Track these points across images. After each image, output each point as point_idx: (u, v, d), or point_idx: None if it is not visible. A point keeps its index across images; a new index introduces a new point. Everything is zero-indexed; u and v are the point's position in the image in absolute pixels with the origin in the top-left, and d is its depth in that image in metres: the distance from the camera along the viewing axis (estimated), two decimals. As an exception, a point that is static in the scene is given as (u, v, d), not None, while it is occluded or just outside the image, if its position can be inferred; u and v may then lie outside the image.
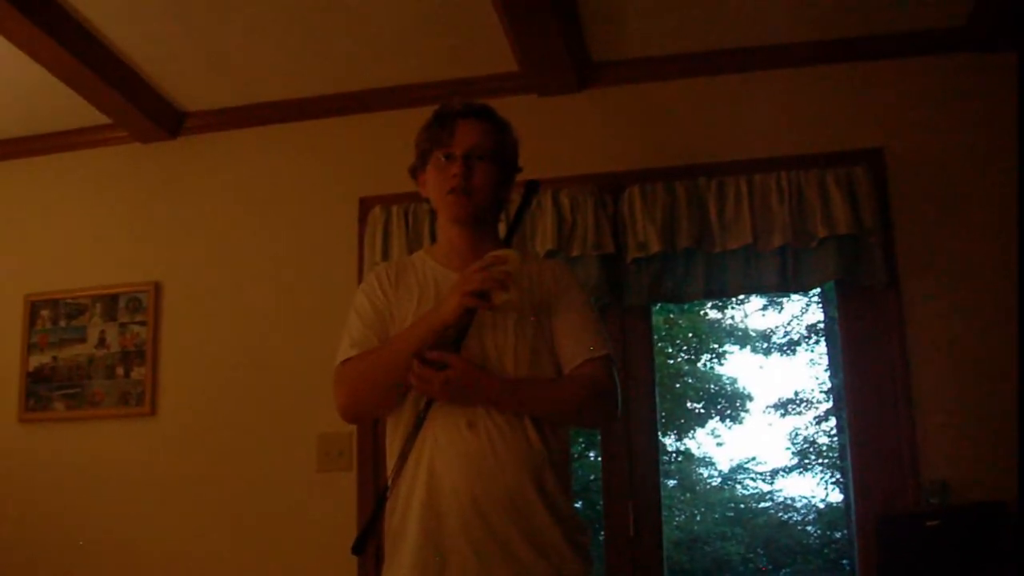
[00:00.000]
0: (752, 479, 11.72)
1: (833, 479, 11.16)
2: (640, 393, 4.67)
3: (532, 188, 3.11)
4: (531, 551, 2.72)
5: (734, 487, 11.75)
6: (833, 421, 10.96)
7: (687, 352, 11.93)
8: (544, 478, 2.80)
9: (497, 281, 2.74)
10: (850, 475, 4.58)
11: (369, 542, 2.81)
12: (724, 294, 4.80)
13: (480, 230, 3.05)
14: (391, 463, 2.88)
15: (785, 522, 11.40)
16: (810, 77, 4.77)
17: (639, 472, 4.63)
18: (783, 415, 11.71)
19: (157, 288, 5.15)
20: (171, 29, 4.58)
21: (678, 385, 11.67)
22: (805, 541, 11.18)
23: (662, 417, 11.16)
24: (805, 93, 4.76)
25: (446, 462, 2.77)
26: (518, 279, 2.81)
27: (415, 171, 3.13)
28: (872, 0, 4.48)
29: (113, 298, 5.18)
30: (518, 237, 4.36)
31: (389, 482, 2.85)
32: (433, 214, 3.15)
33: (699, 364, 11.94)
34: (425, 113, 3.14)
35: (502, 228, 3.25)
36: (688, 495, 11.56)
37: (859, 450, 4.50)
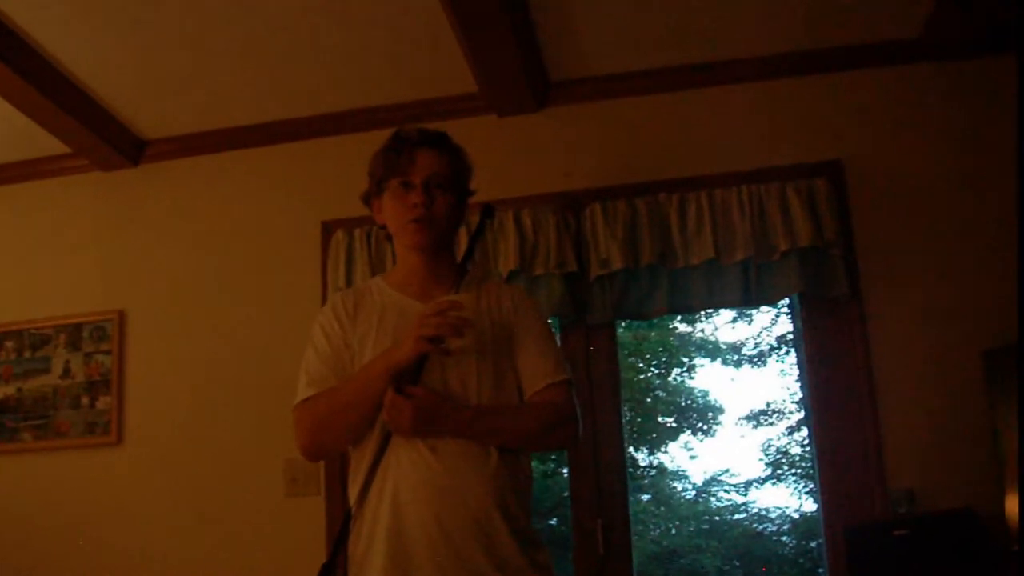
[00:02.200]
0: (726, 491, 11.68)
1: (807, 489, 11.14)
2: (606, 410, 4.69)
3: (488, 212, 3.13)
4: (496, 574, 2.73)
5: (708, 500, 11.71)
6: (805, 431, 10.95)
7: (657, 367, 11.90)
8: (507, 500, 2.81)
9: (452, 327, 2.75)
10: (819, 486, 4.59)
11: (335, 568, 2.81)
12: (688, 310, 4.80)
13: (438, 256, 3.07)
14: (353, 490, 2.88)
15: (760, 533, 11.37)
16: (767, 91, 4.81)
17: (607, 489, 4.63)
18: (755, 426, 11.68)
19: (121, 317, 5.14)
20: (130, 57, 4.59)
21: (649, 400, 11.64)
22: (780, 551, 11.17)
23: (634, 432, 11.14)
24: (763, 107, 4.80)
25: (410, 487, 2.77)
26: (473, 323, 2.82)
27: (369, 198, 3.13)
28: (828, 13, 4.51)
29: (77, 327, 5.16)
30: (480, 258, 4.39)
31: (352, 509, 2.86)
32: (391, 239, 3.15)
33: (669, 378, 11.91)
34: (385, 136, 3.15)
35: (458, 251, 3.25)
36: (662, 509, 11.52)
37: (826, 460, 4.52)
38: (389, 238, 3.16)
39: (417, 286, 3.02)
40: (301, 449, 2.96)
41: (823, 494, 4.54)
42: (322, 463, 4.71)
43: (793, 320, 5.09)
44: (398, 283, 3.08)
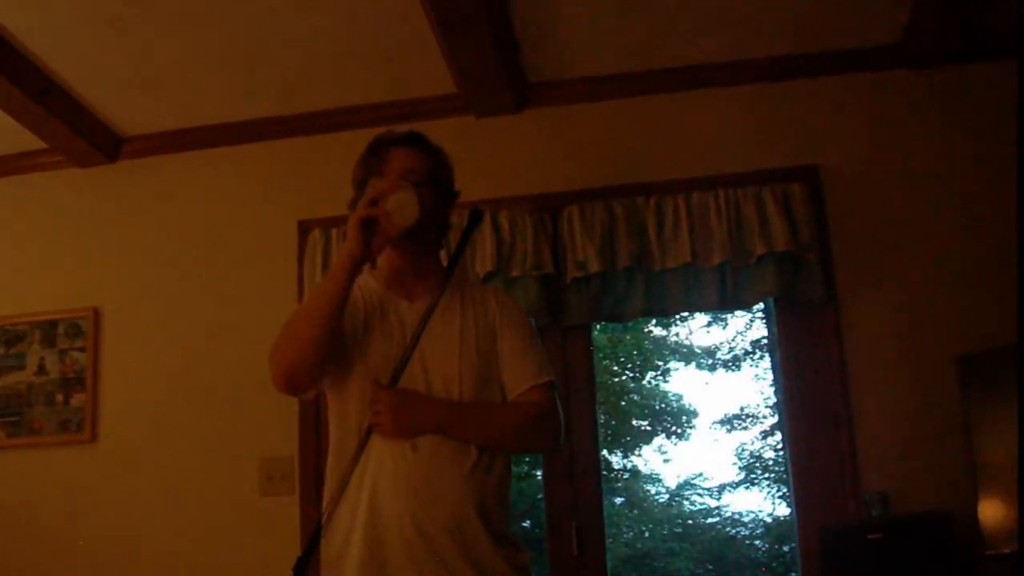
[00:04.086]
0: (699, 495, 11.74)
1: (780, 493, 11.20)
2: (581, 412, 4.68)
3: (476, 216, 3.14)
4: (472, 573, 2.73)
5: (681, 503, 11.76)
6: (779, 436, 10.99)
7: (632, 370, 11.94)
8: (485, 500, 2.82)
9: (380, 192, 2.79)
10: (792, 489, 4.60)
11: (310, 565, 2.81)
12: (664, 313, 4.80)
13: (422, 256, 3.06)
14: (332, 484, 2.88)
15: (733, 537, 11.42)
16: (746, 95, 4.81)
17: (581, 491, 4.63)
18: (729, 431, 11.74)
19: (96, 314, 5.11)
20: (108, 53, 4.57)
21: (623, 403, 11.67)
22: (753, 555, 11.21)
23: (608, 435, 11.17)
24: (741, 111, 4.80)
25: (389, 485, 2.77)
26: (416, 201, 2.81)
27: (354, 204, 3.13)
28: (807, 18, 4.52)
29: (52, 324, 5.13)
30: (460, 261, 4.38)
31: (326, 506, 2.86)
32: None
33: (644, 381, 11.95)
34: (363, 135, 3.15)
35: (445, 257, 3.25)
36: (636, 512, 11.55)
37: (800, 464, 4.53)
38: None
39: (403, 286, 3.02)
40: (273, 379, 2.86)
41: (797, 497, 4.54)
42: (297, 463, 4.72)
43: (768, 324, 5.11)
44: (384, 281, 3.07)
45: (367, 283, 3.09)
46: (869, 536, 4.00)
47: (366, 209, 2.76)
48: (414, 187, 2.83)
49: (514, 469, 3.05)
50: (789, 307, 4.61)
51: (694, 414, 11.86)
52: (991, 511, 3.85)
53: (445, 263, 3.16)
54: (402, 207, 2.78)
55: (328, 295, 2.80)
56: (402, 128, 3.14)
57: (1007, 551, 3.77)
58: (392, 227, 2.78)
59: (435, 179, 3.05)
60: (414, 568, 2.72)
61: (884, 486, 4.26)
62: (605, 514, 4.71)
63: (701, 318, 11.39)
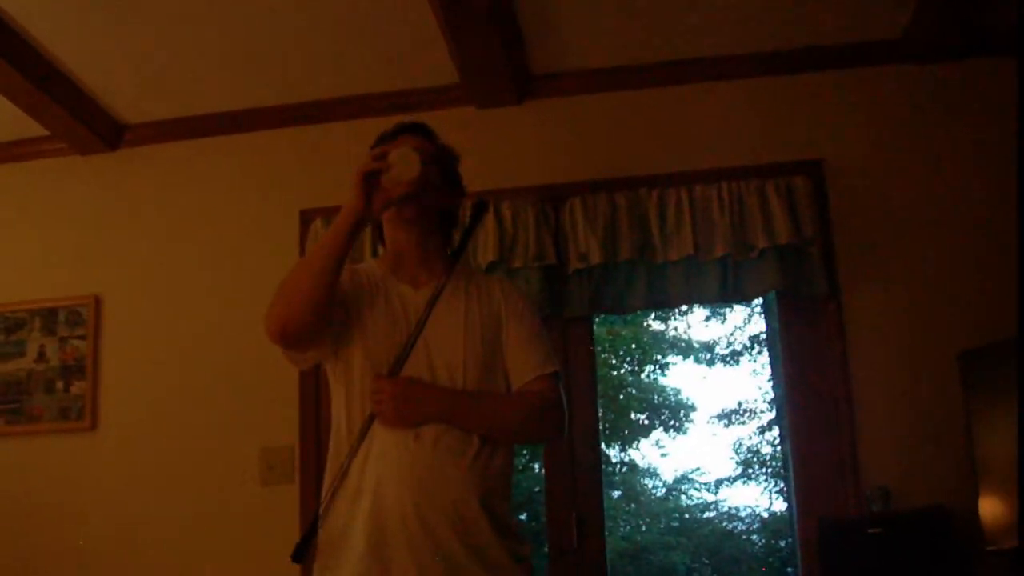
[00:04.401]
0: (696, 489, 11.71)
1: (777, 488, 11.18)
2: (582, 404, 4.66)
3: (481, 208, 3.13)
4: (474, 564, 2.74)
5: (679, 497, 11.74)
6: (776, 431, 10.99)
7: (630, 363, 11.91)
8: (488, 492, 2.82)
9: (383, 150, 2.80)
10: (792, 484, 4.59)
11: (309, 550, 2.82)
12: (666, 305, 4.80)
13: (427, 242, 3.05)
14: (330, 475, 2.88)
15: (730, 532, 11.41)
16: (749, 89, 4.81)
17: (582, 483, 4.63)
18: (727, 425, 11.72)
19: (97, 302, 5.10)
20: (111, 41, 4.56)
21: (622, 396, 11.65)
22: (750, 550, 11.20)
23: (606, 428, 11.14)
24: (745, 105, 4.80)
25: (392, 474, 2.77)
26: (418, 157, 2.80)
27: None
28: (810, 13, 4.51)
29: (52, 312, 5.12)
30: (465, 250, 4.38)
31: (325, 493, 2.87)
32: (379, 230, 3.14)
33: (643, 375, 11.93)
34: (365, 125, 3.17)
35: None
36: (633, 506, 11.54)
37: (800, 459, 4.52)
38: (379, 227, 3.14)
39: (407, 272, 3.01)
40: (269, 329, 2.84)
41: (796, 492, 4.53)
42: (297, 452, 4.72)
43: (768, 319, 5.10)
44: (388, 267, 3.06)
45: (371, 268, 3.09)
46: (869, 530, 3.99)
47: (373, 165, 2.76)
48: (416, 149, 2.83)
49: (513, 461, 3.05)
50: (791, 301, 4.60)
51: (692, 408, 11.84)
52: (992, 506, 3.85)
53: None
54: (404, 161, 2.77)
55: (328, 249, 2.79)
56: (406, 119, 3.15)
57: (1007, 547, 3.78)
58: (394, 183, 2.77)
59: (440, 159, 3.04)
60: (413, 556, 2.72)
61: (885, 481, 4.26)
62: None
63: (699, 312, 11.39)
